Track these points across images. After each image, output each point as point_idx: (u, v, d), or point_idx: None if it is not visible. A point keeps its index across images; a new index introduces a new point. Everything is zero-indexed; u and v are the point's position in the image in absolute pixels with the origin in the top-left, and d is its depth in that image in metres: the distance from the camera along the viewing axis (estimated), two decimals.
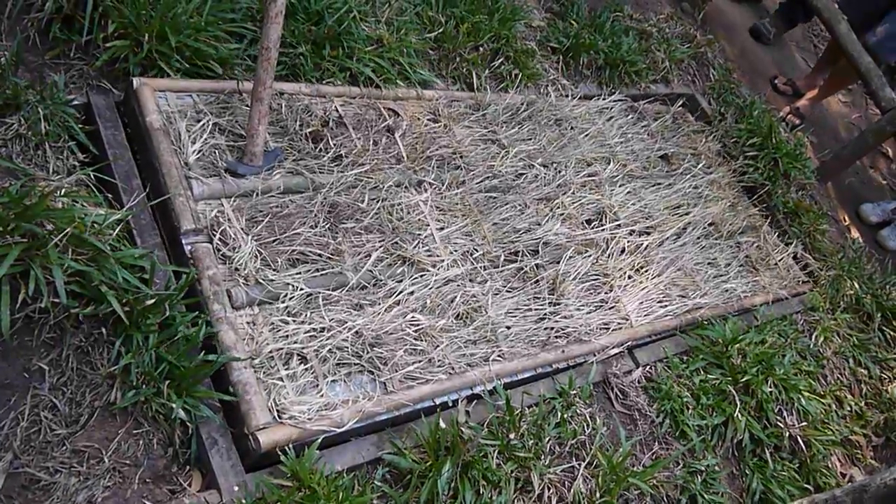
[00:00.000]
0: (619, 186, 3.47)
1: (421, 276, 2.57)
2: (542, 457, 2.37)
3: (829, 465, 3.12)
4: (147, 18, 2.39)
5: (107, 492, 1.80)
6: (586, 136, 3.58)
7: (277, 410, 2.04)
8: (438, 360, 2.40)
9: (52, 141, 2.17)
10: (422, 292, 2.51)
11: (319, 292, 2.32)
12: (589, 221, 3.22)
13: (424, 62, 3.23)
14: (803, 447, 3.03)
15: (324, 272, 2.39)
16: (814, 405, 3.14)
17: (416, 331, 2.42)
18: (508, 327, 2.65)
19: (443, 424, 2.21)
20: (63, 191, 2.02)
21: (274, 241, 2.36)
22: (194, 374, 1.96)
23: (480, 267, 2.74)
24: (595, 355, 2.79)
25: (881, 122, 4.35)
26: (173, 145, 2.35)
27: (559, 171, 3.31)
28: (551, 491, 2.31)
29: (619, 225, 3.26)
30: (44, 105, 2.17)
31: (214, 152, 2.44)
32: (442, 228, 2.75)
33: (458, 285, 2.63)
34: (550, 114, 3.52)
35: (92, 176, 2.19)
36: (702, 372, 3.01)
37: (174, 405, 1.91)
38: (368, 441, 2.20)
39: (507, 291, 2.76)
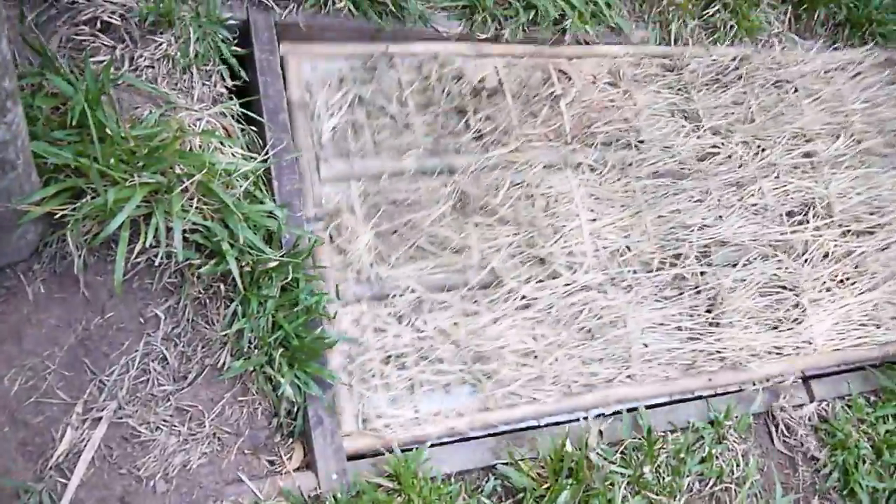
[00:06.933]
0: (845, 169, 2.82)
1: (553, 279, 2.26)
2: (678, 496, 2.06)
3: None
4: None
5: (203, 458, 1.72)
6: (815, 100, 2.91)
7: (363, 419, 1.96)
8: (552, 378, 2.15)
9: (201, 64, 2.01)
10: (549, 299, 2.22)
11: (431, 295, 2.13)
12: (790, 214, 2.70)
13: (624, 1, 2.77)
14: None
15: (442, 269, 2.17)
16: None
17: (531, 341, 2.17)
18: (646, 345, 2.29)
19: (569, 447, 1.95)
20: (201, 125, 1.87)
21: (394, 232, 2.17)
22: (310, 348, 1.80)
23: (628, 271, 2.36)
24: (754, 385, 2.39)
25: None
26: (310, 122, 2.20)
27: (763, 150, 2.77)
28: None
29: (830, 222, 2.70)
30: (197, 23, 2.00)
31: (348, 129, 2.24)
32: (594, 220, 2.38)
33: (597, 292, 2.28)
34: (770, 72, 2.90)
35: (236, 108, 2.02)
36: (891, 420, 2.52)
37: (282, 379, 1.78)
38: (486, 445, 2.00)
39: (656, 301, 2.37)
